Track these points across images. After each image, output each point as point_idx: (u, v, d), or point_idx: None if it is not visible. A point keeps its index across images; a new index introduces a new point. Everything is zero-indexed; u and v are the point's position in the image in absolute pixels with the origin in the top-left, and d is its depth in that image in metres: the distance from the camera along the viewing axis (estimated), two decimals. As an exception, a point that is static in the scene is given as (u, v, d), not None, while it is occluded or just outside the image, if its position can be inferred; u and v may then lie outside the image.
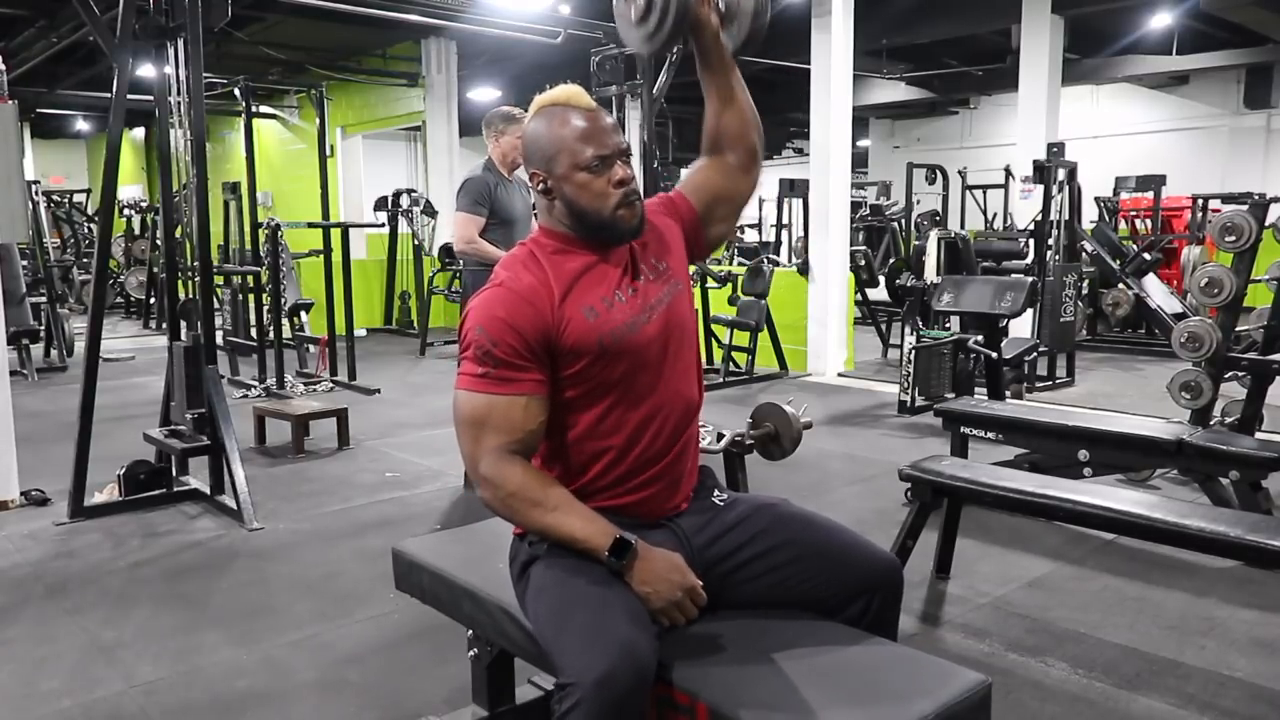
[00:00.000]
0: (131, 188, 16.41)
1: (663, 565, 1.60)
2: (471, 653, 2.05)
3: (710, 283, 7.37)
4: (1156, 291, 7.96)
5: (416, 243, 10.24)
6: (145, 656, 2.75)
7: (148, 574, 3.42)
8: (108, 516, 4.02)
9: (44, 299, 8.23)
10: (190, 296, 4.80)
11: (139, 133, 16.83)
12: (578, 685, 1.42)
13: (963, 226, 12.35)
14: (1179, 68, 11.92)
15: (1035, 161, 7.08)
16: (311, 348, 7.61)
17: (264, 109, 13.06)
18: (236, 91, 8.78)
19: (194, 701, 2.50)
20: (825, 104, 7.51)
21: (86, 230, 13.61)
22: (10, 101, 4.17)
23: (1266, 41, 10.63)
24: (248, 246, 8.22)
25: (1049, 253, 6.88)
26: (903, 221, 11.08)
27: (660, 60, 6.46)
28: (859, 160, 16.56)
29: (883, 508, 4.01)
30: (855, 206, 9.72)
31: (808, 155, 8.37)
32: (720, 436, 2.97)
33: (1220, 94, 13.92)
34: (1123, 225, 10.46)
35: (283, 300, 7.24)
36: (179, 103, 4.25)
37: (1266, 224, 4.38)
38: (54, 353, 8.14)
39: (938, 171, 12.50)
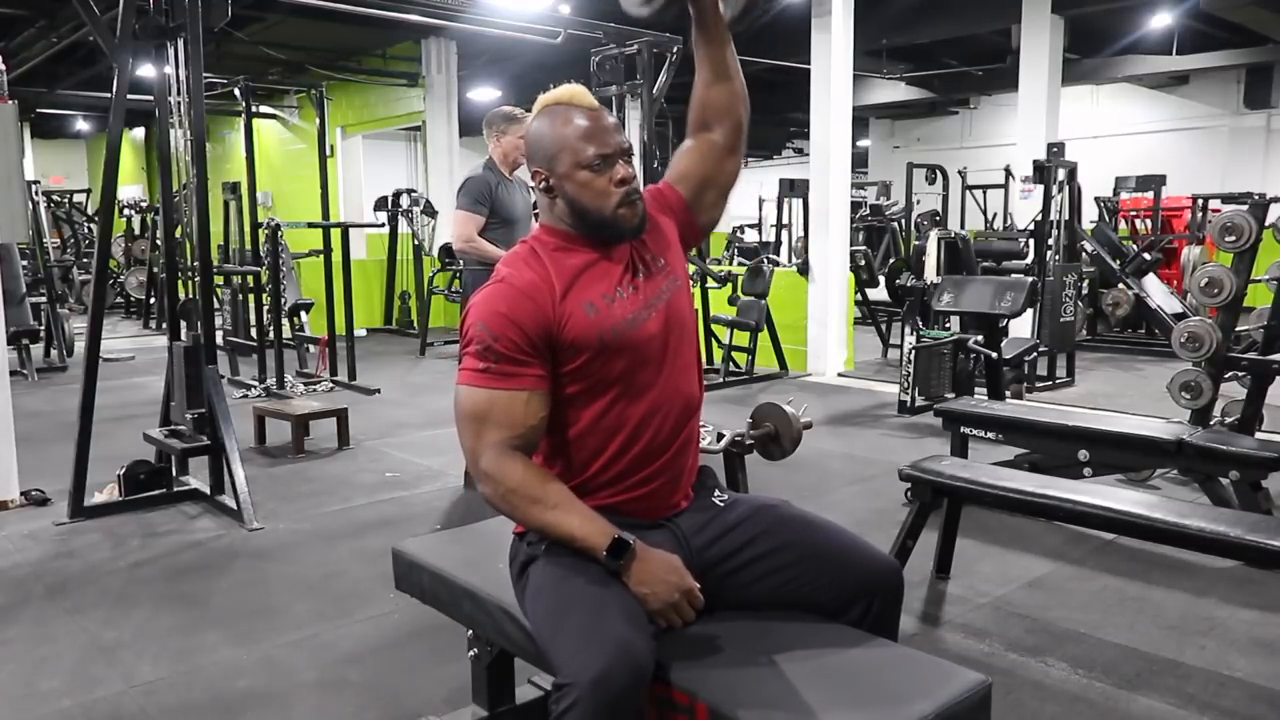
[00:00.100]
0: (131, 188, 16.41)
1: (660, 566, 1.60)
2: (471, 653, 2.05)
3: (710, 283, 7.37)
4: (1156, 291, 7.96)
5: (416, 243, 10.24)
6: (145, 656, 2.75)
7: (148, 574, 3.42)
8: (108, 516, 4.03)
9: (44, 299, 8.23)
10: (190, 296, 4.80)
11: (139, 133, 16.83)
12: (574, 685, 1.42)
13: (963, 226, 12.35)
14: (1179, 68, 11.92)
15: (1035, 161, 7.09)
16: (311, 348, 7.61)
17: (264, 109, 13.06)
18: (236, 91, 8.79)
19: (194, 701, 2.50)
20: (825, 104, 7.51)
21: (86, 230, 13.61)
22: (10, 101, 4.17)
23: (1266, 41, 10.63)
24: (248, 246, 8.23)
25: (1049, 253, 6.88)
26: (903, 221, 11.08)
27: (660, 60, 6.46)
28: (859, 160, 16.56)
29: (883, 508, 4.01)
30: (855, 206, 9.72)
31: (808, 155, 8.37)
32: (720, 436, 2.97)
33: (1220, 94, 13.92)
34: (1123, 225, 10.46)
35: (283, 300, 7.24)
36: (179, 103, 4.25)
37: (1266, 224, 4.38)
38: (54, 353, 8.14)
39: (938, 171, 12.51)
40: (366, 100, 12.33)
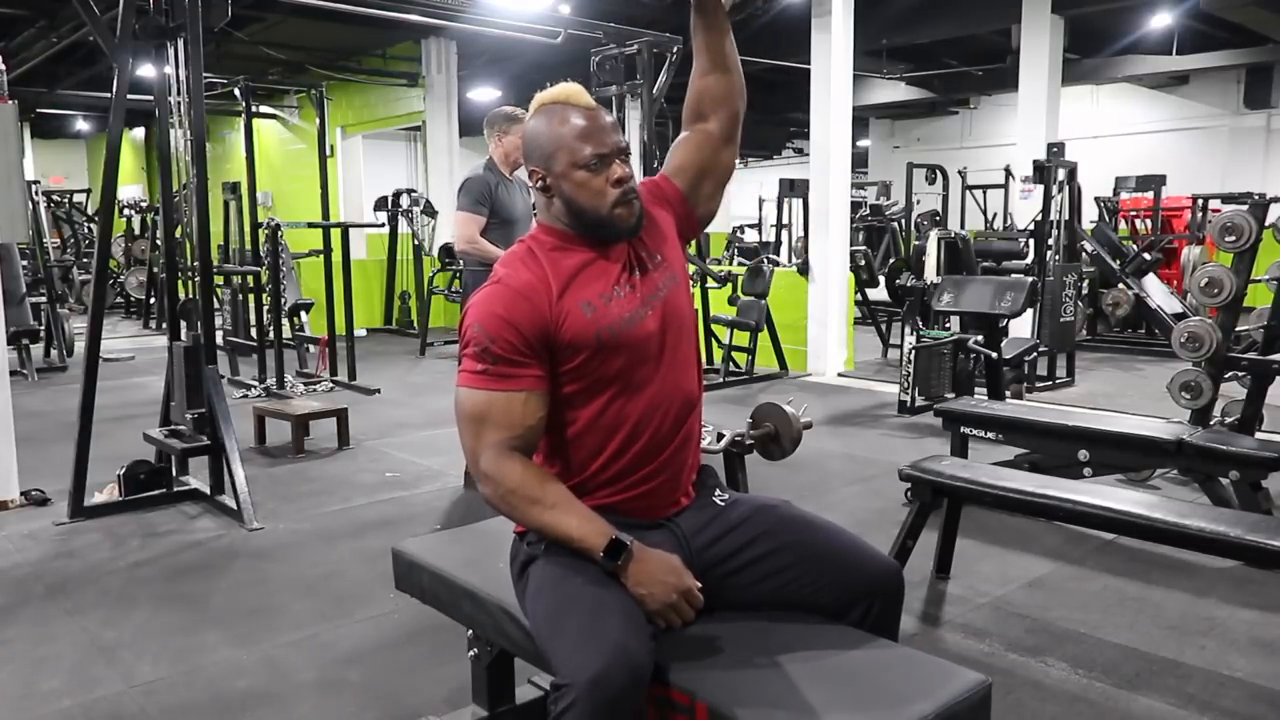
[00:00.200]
0: (131, 188, 16.41)
1: (658, 567, 1.60)
2: (471, 653, 2.05)
3: (710, 283, 7.37)
4: (1156, 291, 7.96)
5: (416, 243, 10.24)
6: (145, 656, 2.75)
7: (148, 574, 3.42)
8: (108, 516, 4.02)
9: (44, 299, 8.23)
10: (190, 296, 4.80)
11: (139, 133, 16.83)
12: (573, 685, 1.42)
13: (963, 226, 12.35)
14: (1179, 68, 11.92)
15: (1035, 161, 7.09)
16: (311, 348, 7.61)
17: (264, 109, 13.06)
18: (236, 91, 8.79)
19: (194, 701, 2.50)
20: (825, 104, 7.51)
21: (86, 230, 13.61)
22: (10, 101, 4.17)
23: (1266, 41, 10.63)
24: (248, 246, 8.23)
25: (1049, 253, 6.88)
26: (903, 221, 11.08)
27: (660, 60, 6.46)
28: (859, 160, 16.56)
29: (883, 508, 4.01)
30: (855, 206, 9.72)
31: (808, 155, 8.37)
32: (720, 436, 2.97)
33: (1220, 94, 13.92)
34: (1123, 225, 10.46)
35: (283, 300, 7.24)
36: (179, 103, 4.25)
37: (1266, 224, 4.38)
38: (54, 353, 8.14)
39: (938, 171, 12.51)
40: (366, 100, 12.33)
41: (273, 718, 2.43)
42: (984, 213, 12.91)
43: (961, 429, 3.91)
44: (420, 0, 6.60)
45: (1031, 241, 7.34)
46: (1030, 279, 5.34)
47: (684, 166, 1.84)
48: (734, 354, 7.18)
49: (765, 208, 12.51)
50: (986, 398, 5.12)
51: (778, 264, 8.54)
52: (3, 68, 4.21)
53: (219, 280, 7.42)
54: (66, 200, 14.04)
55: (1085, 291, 7.99)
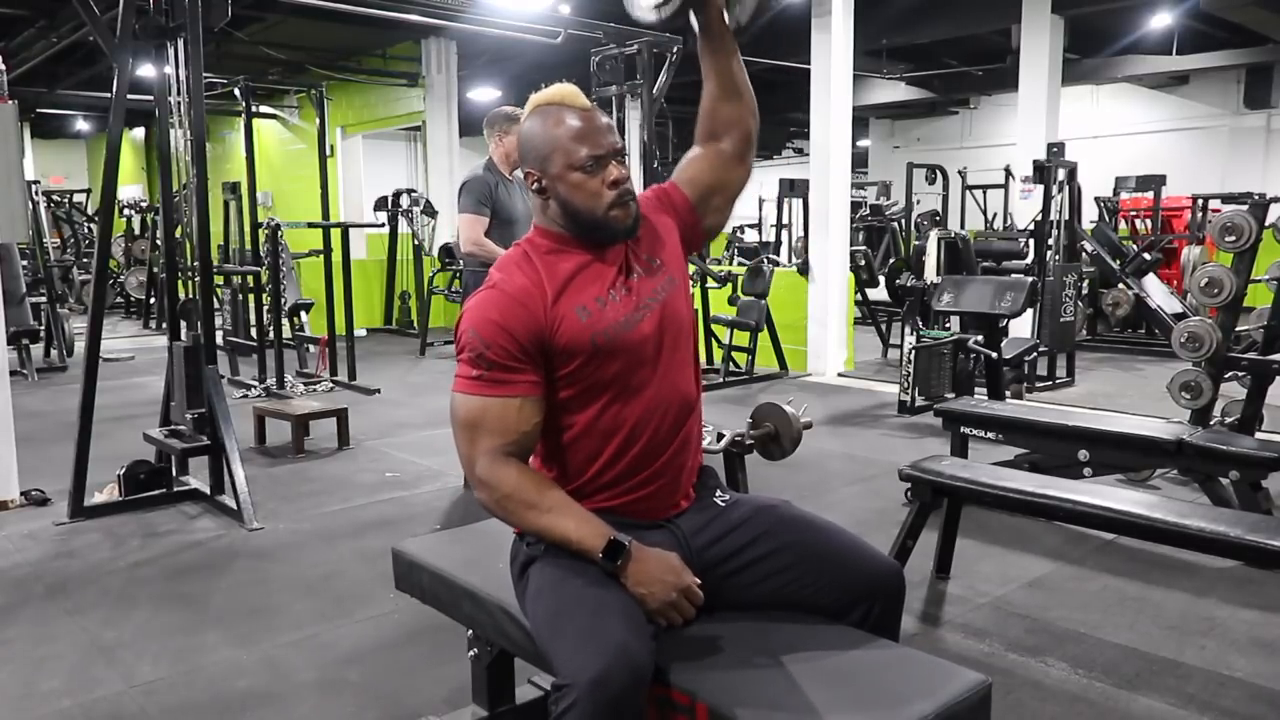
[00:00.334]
0: (131, 188, 16.41)
1: (657, 566, 1.60)
2: (471, 653, 2.05)
3: (710, 283, 7.37)
4: (1156, 291, 7.96)
5: (416, 243, 10.24)
6: (145, 656, 2.75)
7: (148, 574, 3.42)
8: (108, 516, 4.02)
9: (44, 299, 8.23)
10: (190, 296, 4.80)
11: (139, 133, 16.84)
12: (573, 686, 1.42)
13: (963, 226, 12.35)
14: (1179, 68, 11.93)
15: (1035, 161, 7.09)
16: (311, 348, 7.61)
17: (264, 109, 13.07)
18: (236, 91, 8.78)
19: (194, 701, 2.50)
20: (825, 104, 7.51)
21: (86, 230, 13.61)
22: (10, 101, 4.17)
23: (1266, 41, 10.63)
24: (248, 246, 8.22)
25: (1049, 253, 6.88)
26: (903, 221, 11.08)
27: (660, 60, 6.46)
28: (859, 160, 16.55)
29: (883, 508, 4.01)
30: (855, 206, 9.72)
31: (808, 155, 8.37)
32: (720, 436, 2.97)
33: (1220, 94, 13.92)
34: (1123, 225, 10.46)
35: (283, 300, 7.24)
36: (179, 103, 4.25)
37: (1266, 224, 4.38)
38: (54, 353, 8.14)
39: (938, 171, 12.51)
40: (366, 100, 12.33)
41: (273, 718, 2.43)
42: (984, 213, 12.92)
43: (961, 429, 3.91)
44: (420, 0, 6.61)
45: (1031, 241, 7.34)
46: (1030, 279, 5.34)
47: (695, 179, 1.84)
48: (734, 354, 7.18)
49: (765, 208, 12.51)
50: (986, 398, 5.12)
51: (778, 264, 8.54)
52: (3, 68, 4.21)
53: (219, 280, 7.42)
54: (66, 200, 14.04)
55: (1085, 291, 7.98)
